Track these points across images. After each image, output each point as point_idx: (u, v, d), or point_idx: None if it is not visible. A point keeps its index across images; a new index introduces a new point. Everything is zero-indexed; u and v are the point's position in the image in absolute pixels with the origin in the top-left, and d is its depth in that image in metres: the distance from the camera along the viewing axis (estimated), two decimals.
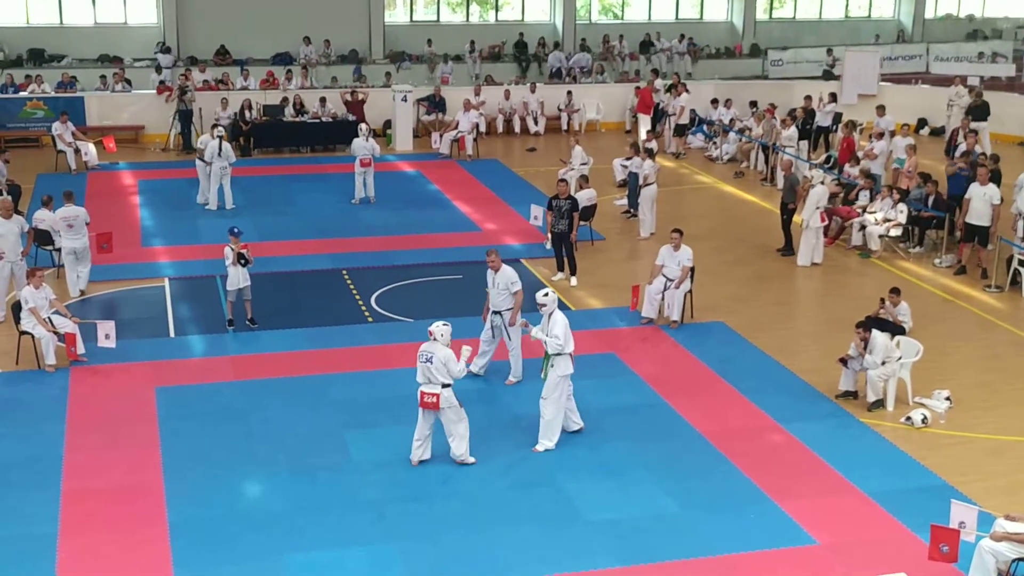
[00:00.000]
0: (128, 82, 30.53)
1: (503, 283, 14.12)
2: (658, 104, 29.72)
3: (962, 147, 22.46)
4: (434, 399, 11.79)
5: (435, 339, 11.89)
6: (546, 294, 12.77)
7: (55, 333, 14.58)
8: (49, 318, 14.69)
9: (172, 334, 16.08)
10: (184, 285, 18.10)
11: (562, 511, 11.31)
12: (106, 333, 14.80)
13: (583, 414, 12.84)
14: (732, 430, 13.06)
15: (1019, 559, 9.73)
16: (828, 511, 11.29)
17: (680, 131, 28.97)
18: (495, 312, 14.17)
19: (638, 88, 30.95)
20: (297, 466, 12.12)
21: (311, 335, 15.93)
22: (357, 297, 17.58)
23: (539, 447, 12.47)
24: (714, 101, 29.80)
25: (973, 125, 24.95)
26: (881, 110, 26.38)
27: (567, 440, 12.63)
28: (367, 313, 16.93)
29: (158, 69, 31.97)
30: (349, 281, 18.32)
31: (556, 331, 12.36)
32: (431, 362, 11.77)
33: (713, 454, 12.50)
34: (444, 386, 11.81)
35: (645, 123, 28.41)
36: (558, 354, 12.36)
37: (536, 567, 10.28)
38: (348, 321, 16.59)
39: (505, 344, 14.29)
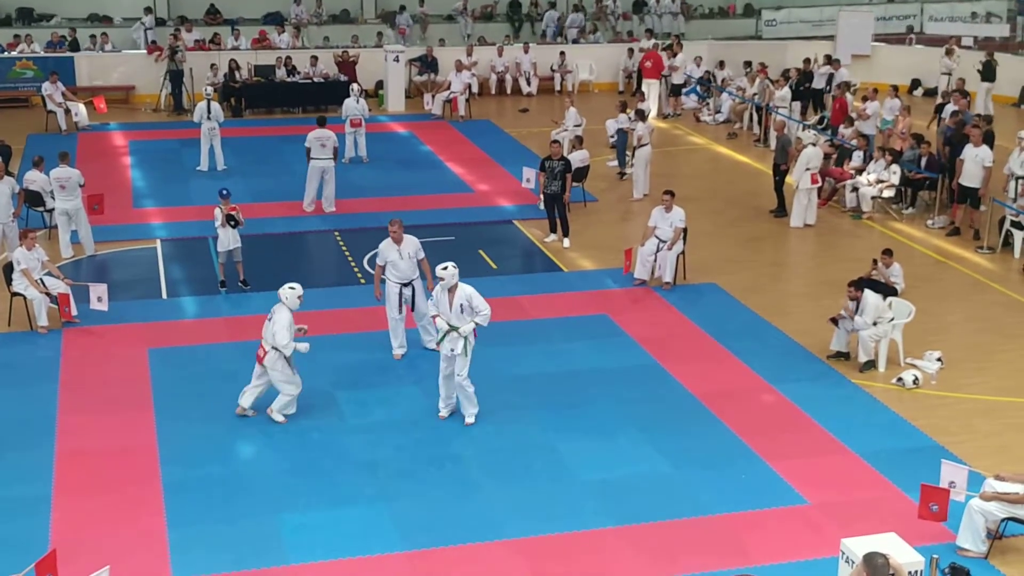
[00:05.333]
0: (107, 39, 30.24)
1: (412, 252, 13.67)
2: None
3: (950, 107, 22.36)
4: (262, 353, 11.99)
5: (282, 301, 11.99)
6: (444, 268, 11.93)
7: (47, 295, 14.56)
8: (41, 279, 14.66)
9: (165, 295, 16.07)
10: (176, 246, 18.07)
11: (554, 471, 11.36)
12: (98, 296, 14.78)
13: (575, 374, 12.86)
14: (724, 391, 13.10)
15: (1009, 518, 9.81)
16: (819, 471, 11.35)
17: (676, 91, 28.81)
18: (405, 284, 13.68)
19: (642, 49, 30.46)
20: (290, 427, 12.16)
21: (303, 296, 15.87)
22: (349, 258, 17.56)
23: (471, 419, 12.18)
24: (698, 58, 29.66)
25: (981, 85, 24.79)
26: (836, 64, 26.25)
27: (559, 401, 12.68)
28: (359, 274, 16.91)
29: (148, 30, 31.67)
30: (341, 242, 18.29)
31: (481, 305, 11.90)
32: (271, 320, 11.97)
33: (705, 414, 12.55)
34: (273, 347, 11.88)
35: (655, 88, 28.09)
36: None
37: (528, 526, 10.33)
38: (340, 282, 16.58)
39: (411, 314, 13.93)
